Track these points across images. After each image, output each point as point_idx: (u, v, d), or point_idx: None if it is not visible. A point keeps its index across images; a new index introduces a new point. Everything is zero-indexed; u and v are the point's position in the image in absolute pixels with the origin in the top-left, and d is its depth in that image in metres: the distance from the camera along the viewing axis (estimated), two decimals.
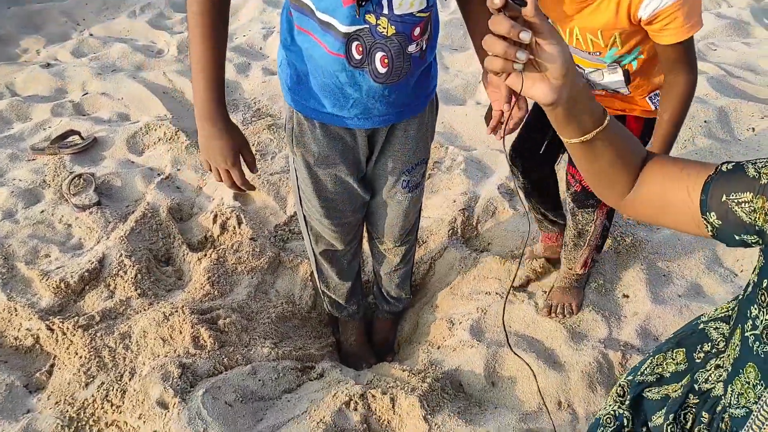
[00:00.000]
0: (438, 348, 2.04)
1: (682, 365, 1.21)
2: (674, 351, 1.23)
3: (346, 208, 1.78)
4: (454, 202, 2.54)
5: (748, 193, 0.91)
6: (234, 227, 2.45)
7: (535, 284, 2.22)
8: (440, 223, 2.46)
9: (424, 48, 1.47)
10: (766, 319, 0.94)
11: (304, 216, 1.86)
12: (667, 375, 1.21)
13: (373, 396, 1.82)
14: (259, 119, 3.02)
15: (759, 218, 0.89)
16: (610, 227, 2.19)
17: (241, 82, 3.32)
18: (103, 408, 1.81)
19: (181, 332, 1.98)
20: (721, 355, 1.11)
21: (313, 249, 1.96)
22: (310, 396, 1.87)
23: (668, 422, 1.13)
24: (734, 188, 0.92)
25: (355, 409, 1.79)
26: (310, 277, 2.27)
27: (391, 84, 1.46)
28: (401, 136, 1.64)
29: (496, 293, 2.16)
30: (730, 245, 0.97)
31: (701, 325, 1.22)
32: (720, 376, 1.08)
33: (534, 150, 1.93)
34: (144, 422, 1.77)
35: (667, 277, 2.18)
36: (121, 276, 2.19)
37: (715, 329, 1.19)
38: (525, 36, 0.76)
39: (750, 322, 0.97)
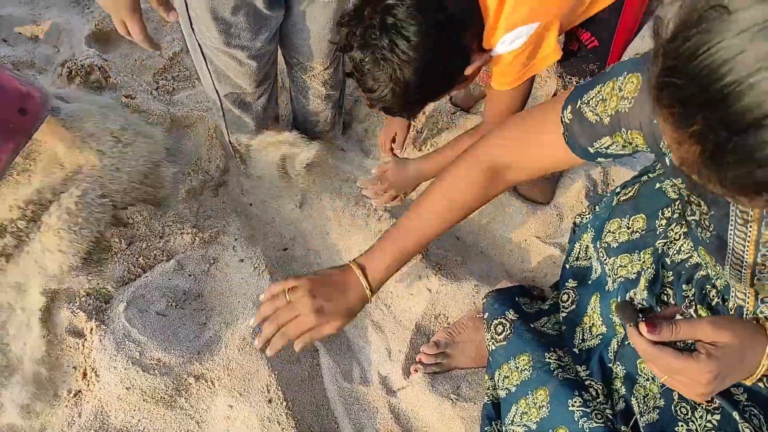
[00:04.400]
0: None
1: (637, 234, 1.10)
2: (631, 218, 1.12)
3: (252, 34, 1.38)
4: None
5: (596, 87, 0.92)
6: (99, 82, 1.90)
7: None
8: None
9: None
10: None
11: (199, 46, 1.43)
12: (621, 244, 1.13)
13: None
14: None
15: (611, 103, 0.89)
16: None
17: None
18: None
19: (71, 234, 1.53)
20: (683, 221, 1.03)
21: (216, 90, 1.55)
22: (254, 283, 1.54)
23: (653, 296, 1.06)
24: (586, 90, 0.94)
25: None
26: (215, 132, 1.82)
27: None
28: None
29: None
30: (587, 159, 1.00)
31: (657, 184, 1.10)
32: (690, 250, 1.01)
33: None
34: (56, 359, 1.38)
35: None
36: None
37: (671, 187, 1.08)
38: None
39: None
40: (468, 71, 1.22)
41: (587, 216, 1.28)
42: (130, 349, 1.36)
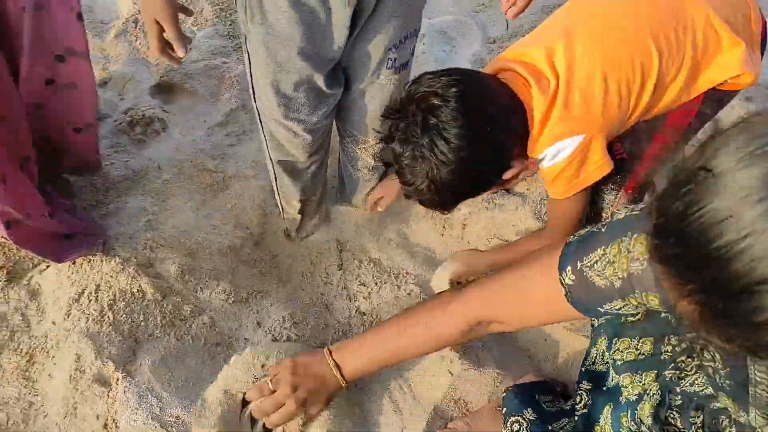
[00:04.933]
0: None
1: (643, 356, 1.10)
2: (640, 340, 1.11)
3: (310, 109, 1.43)
4: None
5: (598, 249, 0.91)
6: (157, 132, 1.99)
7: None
8: None
9: None
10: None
11: (258, 113, 1.50)
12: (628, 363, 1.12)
13: None
14: None
15: (621, 265, 0.87)
16: None
17: None
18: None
19: (109, 282, 1.59)
20: (702, 360, 1.00)
21: (269, 154, 1.61)
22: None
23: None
24: (585, 252, 0.93)
25: None
26: (260, 191, 1.87)
27: None
28: (391, 8, 1.30)
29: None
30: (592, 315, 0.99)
31: (663, 313, 1.08)
32: (705, 384, 0.98)
33: None
34: (80, 403, 1.42)
35: None
36: None
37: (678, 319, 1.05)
38: None
39: None
40: (507, 176, 1.24)
41: (601, 319, 1.26)
42: (152, 404, 1.39)
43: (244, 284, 1.71)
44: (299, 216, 1.77)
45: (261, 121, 1.51)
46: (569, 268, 0.96)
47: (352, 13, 1.26)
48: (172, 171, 1.90)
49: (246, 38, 1.34)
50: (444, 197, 1.22)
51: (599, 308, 0.96)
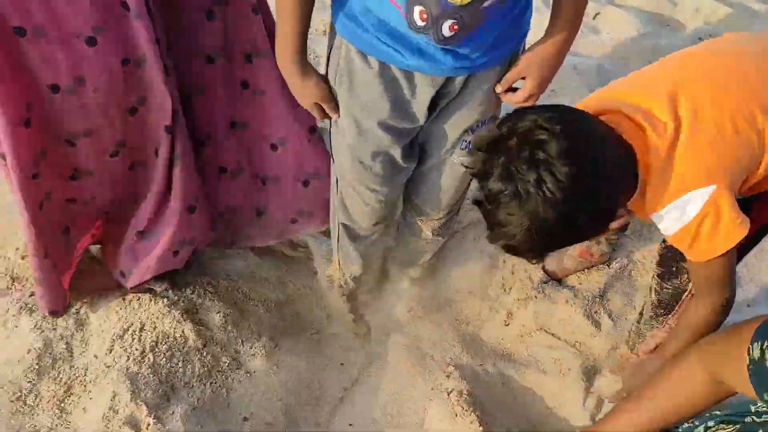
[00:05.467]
0: None
1: None
2: None
3: (384, 180, 1.46)
4: None
5: None
6: None
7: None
8: None
9: None
10: None
11: (336, 174, 1.54)
12: None
13: None
14: None
15: None
16: None
17: None
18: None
19: (154, 323, 1.61)
20: None
21: (337, 215, 1.63)
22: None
23: None
24: None
25: None
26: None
27: (459, 41, 1.15)
28: (473, 88, 1.31)
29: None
30: None
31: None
32: None
33: None
34: None
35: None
36: None
37: None
38: None
39: None
40: (613, 226, 1.14)
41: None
42: None
43: (284, 344, 1.71)
44: (353, 283, 1.78)
45: (337, 183, 1.54)
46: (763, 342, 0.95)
47: (435, 94, 1.28)
48: None
49: None
50: (539, 242, 1.07)
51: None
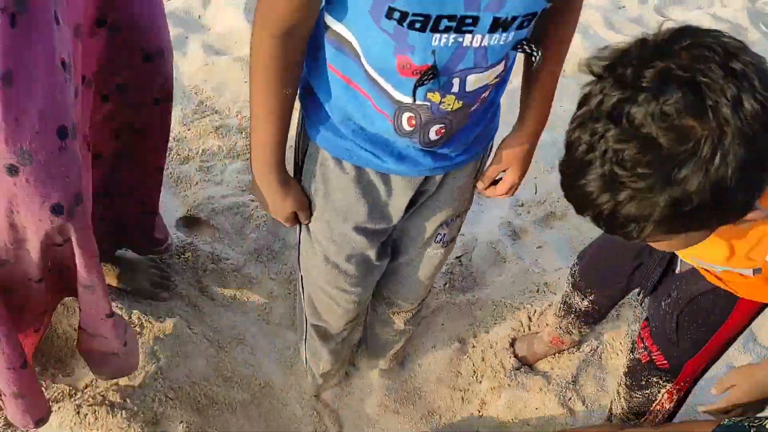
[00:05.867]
0: None
1: None
2: None
3: (357, 281, 1.40)
4: None
5: None
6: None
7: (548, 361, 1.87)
8: None
9: (489, 97, 1.11)
10: None
11: (302, 277, 1.48)
12: None
13: None
14: (203, 117, 2.45)
15: None
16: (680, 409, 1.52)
17: (177, 61, 2.70)
18: None
19: None
20: None
21: (305, 316, 1.57)
22: None
23: None
24: None
25: None
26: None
27: (443, 144, 1.12)
28: (450, 185, 1.29)
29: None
30: None
31: None
32: None
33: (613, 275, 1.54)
34: None
35: None
36: None
37: None
38: None
39: None
40: (749, 216, 0.79)
41: None
42: None
43: None
44: (321, 380, 1.72)
45: (303, 285, 1.49)
46: None
47: (413, 194, 1.26)
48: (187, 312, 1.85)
49: None
50: (693, 211, 0.71)
51: None
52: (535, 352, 1.88)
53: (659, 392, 1.45)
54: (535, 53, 0.98)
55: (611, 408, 1.64)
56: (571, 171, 0.79)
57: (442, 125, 1.06)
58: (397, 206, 1.27)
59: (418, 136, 1.08)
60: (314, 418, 1.77)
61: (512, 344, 1.91)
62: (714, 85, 0.66)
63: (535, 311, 1.94)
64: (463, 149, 1.19)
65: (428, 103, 1.00)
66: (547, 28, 1.07)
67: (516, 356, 1.89)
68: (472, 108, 1.07)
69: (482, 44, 0.91)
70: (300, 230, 1.38)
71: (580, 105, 0.77)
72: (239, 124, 2.41)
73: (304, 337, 1.64)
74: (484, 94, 1.05)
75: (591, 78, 0.77)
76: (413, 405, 1.83)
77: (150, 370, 1.67)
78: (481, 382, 1.85)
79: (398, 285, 1.54)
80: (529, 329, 1.92)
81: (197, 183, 2.19)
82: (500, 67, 1.00)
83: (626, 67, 0.71)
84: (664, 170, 0.68)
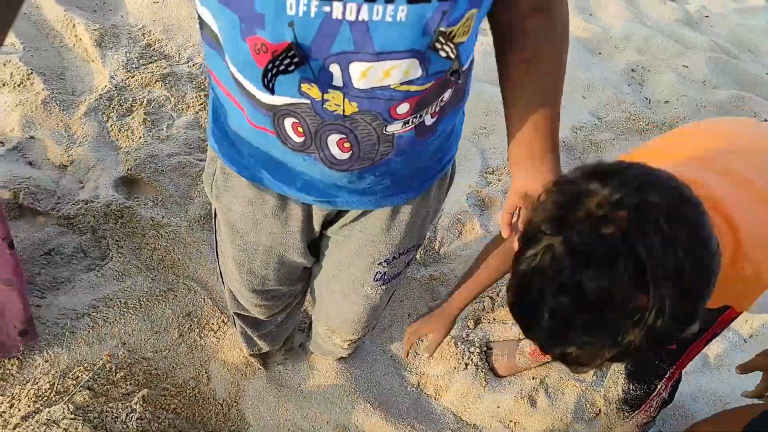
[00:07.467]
0: None
1: None
2: None
3: (279, 282, 1.22)
4: None
5: None
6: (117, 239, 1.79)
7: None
8: None
9: (429, 123, 0.87)
10: None
11: (221, 273, 1.31)
12: None
13: None
14: (149, 62, 2.23)
15: None
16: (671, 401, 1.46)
17: None
18: None
19: None
20: None
21: (228, 304, 1.41)
22: None
23: None
24: None
25: None
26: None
27: (360, 170, 0.89)
28: (384, 222, 1.08)
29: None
30: None
31: None
32: None
33: None
34: None
35: None
36: None
37: None
38: None
39: None
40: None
41: None
42: None
43: None
44: (261, 360, 1.59)
45: (224, 282, 1.33)
46: None
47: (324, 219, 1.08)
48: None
49: (213, 208, 1.16)
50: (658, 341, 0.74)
51: None
52: (517, 366, 1.72)
53: (659, 382, 1.35)
54: (455, 64, 0.73)
55: (605, 395, 1.50)
56: (522, 318, 0.80)
57: (342, 135, 0.82)
58: (308, 226, 1.08)
59: (318, 153, 0.85)
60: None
61: (487, 350, 1.75)
62: (654, 256, 0.69)
63: (499, 291, 1.82)
64: (396, 185, 0.97)
65: (307, 101, 0.77)
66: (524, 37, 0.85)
67: (493, 371, 1.72)
68: (388, 127, 0.82)
69: (359, 17, 0.67)
70: (215, 233, 1.21)
71: (526, 248, 0.77)
72: (190, 73, 2.21)
73: (232, 319, 1.48)
74: (401, 107, 0.79)
75: None
76: (366, 390, 1.72)
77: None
78: (438, 365, 1.74)
79: (335, 315, 1.33)
80: (492, 311, 1.80)
81: (140, 138, 2.00)
82: (417, 72, 0.74)
83: (574, 231, 0.73)
84: (611, 335, 0.72)
